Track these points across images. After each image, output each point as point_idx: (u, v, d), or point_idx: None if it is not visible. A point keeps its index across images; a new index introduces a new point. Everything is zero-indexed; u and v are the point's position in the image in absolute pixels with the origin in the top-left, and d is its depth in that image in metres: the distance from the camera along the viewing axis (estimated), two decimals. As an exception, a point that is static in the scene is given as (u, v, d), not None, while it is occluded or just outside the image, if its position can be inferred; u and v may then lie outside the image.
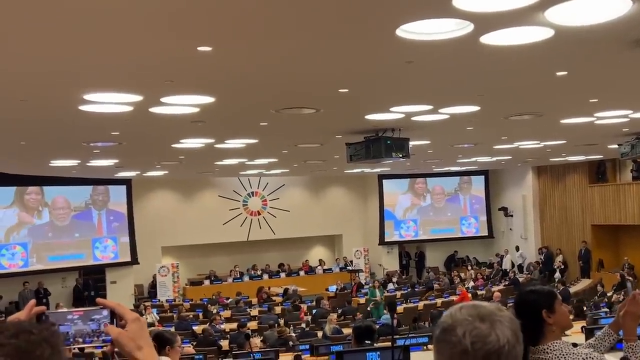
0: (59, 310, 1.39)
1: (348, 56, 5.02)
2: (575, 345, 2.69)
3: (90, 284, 19.09)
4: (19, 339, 0.99)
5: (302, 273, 21.55)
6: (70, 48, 4.47)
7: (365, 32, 4.31)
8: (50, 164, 12.99)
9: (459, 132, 10.61)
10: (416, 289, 18.10)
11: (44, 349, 1.00)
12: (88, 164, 13.20)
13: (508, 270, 20.44)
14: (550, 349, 2.55)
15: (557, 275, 19.72)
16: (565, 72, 6.02)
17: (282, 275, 21.18)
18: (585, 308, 11.33)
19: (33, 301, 1.43)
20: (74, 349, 1.42)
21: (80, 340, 1.48)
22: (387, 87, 6.55)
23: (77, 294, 18.74)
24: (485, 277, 19.71)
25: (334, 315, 13.08)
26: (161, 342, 5.39)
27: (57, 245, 17.98)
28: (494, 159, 17.12)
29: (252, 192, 22.45)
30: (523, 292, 2.83)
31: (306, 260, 22.92)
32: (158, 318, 13.99)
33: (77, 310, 1.49)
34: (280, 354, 8.28)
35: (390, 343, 7.01)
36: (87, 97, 6.25)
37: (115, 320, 1.48)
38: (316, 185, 23.14)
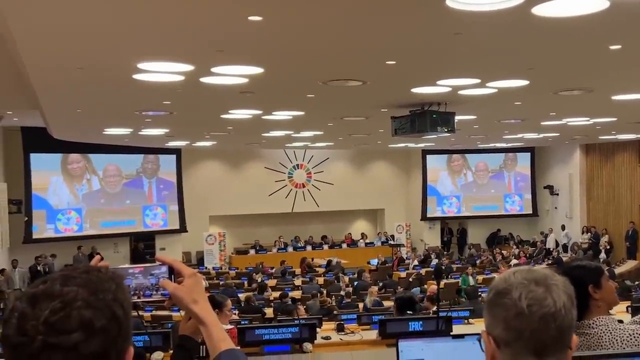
0: (121, 266, 1.50)
1: (397, 27, 5.04)
2: (620, 322, 2.69)
3: (143, 249, 19.80)
4: (90, 274, 1.13)
5: (344, 246, 21.73)
6: (125, 17, 4.62)
7: (414, 2, 4.34)
8: (104, 132, 13.38)
9: (506, 107, 10.50)
10: (457, 264, 18.09)
11: (111, 284, 1.13)
12: (140, 133, 13.54)
13: (552, 249, 20.19)
14: (596, 324, 2.55)
15: (603, 255, 19.39)
16: (619, 46, 5.92)
17: (325, 247, 21.41)
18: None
19: (99, 256, 1.56)
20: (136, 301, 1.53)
21: (140, 293, 1.57)
22: (434, 59, 6.55)
23: (137, 258, 19.60)
24: (527, 255, 19.53)
25: (374, 288, 13.21)
26: (211, 305, 5.57)
27: (109, 212, 18.61)
28: (541, 135, 16.84)
29: (298, 165, 22.65)
30: (569, 267, 2.82)
31: (349, 233, 23.09)
32: (207, 285, 14.35)
33: (138, 266, 1.59)
34: (323, 322, 8.45)
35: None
36: (141, 66, 6.43)
37: (173, 275, 1.57)
38: (360, 159, 23.18)
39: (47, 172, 17.43)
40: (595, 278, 2.64)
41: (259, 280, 14.63)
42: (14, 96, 9.88)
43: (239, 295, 13.11)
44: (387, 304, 11.00)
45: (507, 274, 1.38)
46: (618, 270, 16.73)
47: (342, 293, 12.63)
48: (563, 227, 21.38)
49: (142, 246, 19.96)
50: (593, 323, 2.55)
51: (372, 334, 6.58)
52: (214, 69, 6.68)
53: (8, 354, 1.06)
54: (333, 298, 12.18)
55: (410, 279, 15.14)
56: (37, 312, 1.04)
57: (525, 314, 1.29)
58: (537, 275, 1.34)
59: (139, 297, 1.55)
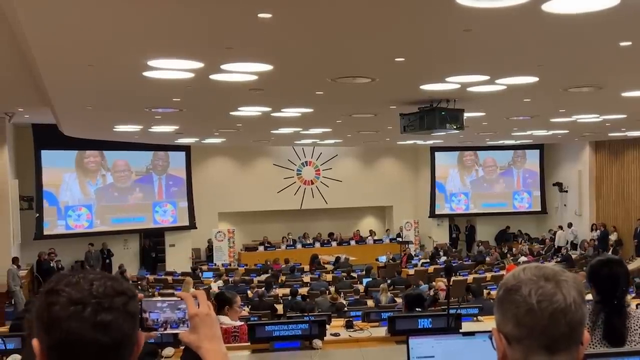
0: (152, 299, 1.57)
1: (406, 23, 5.04)
2: None
3: (151, 246, 19.93)
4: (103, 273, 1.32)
5: (352, 243, 21.74)
6: (136, 14, 4.65)
7: (425, -1, 4.35)
8: (114, 129, 13.44)
9: (516, 104, 10.47)
10: (466, 262, 18.05)
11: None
12: (150, 130, 13.59)
13: (561, 247, 20.11)
14: (633, 315, 2.84)
15: (611, 253, 19.30)
16: (630, 43, 5.90)
17: (333, 244, 21.43)
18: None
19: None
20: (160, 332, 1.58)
21: (168, 325, 1.63)
22: (443, 56, 6.54)
23: (144, 255, 19.75)
24: (536, 253, 19.46)
25: (384, 285, 13.21)
26: (221, 302, 5.62)
27: (119, 208, 18.68)
28: (551, 132, 16.77)
29: (306, 162, 22.66)
30: (606, 262, 3.01)
31: (357, 230, 23.10)
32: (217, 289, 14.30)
33: (169, 300, 1.64)
34: (332, 319, 8.46)
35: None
36: (150, 63, 6.46)
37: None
38: (368, 156, 23.18)
39: (58, 168, 17.51)
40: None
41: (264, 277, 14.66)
42: (25, 93, 9.95)
43: (248, 292, 13.15)
44: (397, 301, 11.02)
45: (516, 271, 1.38)
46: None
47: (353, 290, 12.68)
48: (570, 225, 21.28)
49: (150, 243, 20.01)
50: (630, 314, 2.87)
51: (381, 331, 6.59)
52: (223, 66, 6.70)
53: (54, 334, 1.18)
54: (342, 295, 12.18)
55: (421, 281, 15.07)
56: (82, 286, 1.22)
57: (536, 310, 1.29)
58: (547, 271, 1.34)
59: (165, 329, 1.63)
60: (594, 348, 2.74)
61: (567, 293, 1.31)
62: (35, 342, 1.22)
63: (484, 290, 11.80)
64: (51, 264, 16.24)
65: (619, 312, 2.84)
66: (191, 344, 1.53)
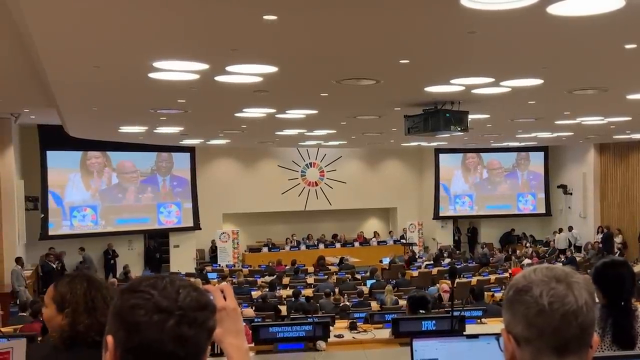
0: None
1: (411, 25, 5.05)
2: None
3: (155, 247, 19.98)
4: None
5: (356, 244, 21.73)
6: (141, 16, 4.66)
7: (429, 1, 4.34)
8: (119, 130, 13.47)
9: (520, 106, 10.46)
10: (470, 264, 18.01)
11: None
12: (155, 131, 13.62)
13: (563, 249, 20.04)
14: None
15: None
16: (635, 45, 5.89)
17: (337, 245, 21.43)
18: None
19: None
20: None
21: None
22: (448, 58, 6.54)
23: (148, 256, 19.79)
24: (540, 255, 19.39)
25: (389, 287, 13.20)
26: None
27: (124, 209, 18.72)
28: (555, 134, 16.76)
29: (310, 163, 22.67)
30: (611, 264, 3.03)
31: (361, 232, 23.09)
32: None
33: None
34: (336, 321, 8.46)
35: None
36: (156, 64, 6.48)
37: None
38: (372, 158, 23.17)
39: (64, 169, 17.56)
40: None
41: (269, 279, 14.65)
42: (30, 94, 9.99)
43: (252, 292, 13.16)
44: (401, 302, 11.01)
45: (527, 272, 1.37)
46: (632, 270, 16.53)
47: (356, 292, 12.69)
48: (570, 228, 21.18)
49: (154, 244, 20.07)
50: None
51: (385, 333, 6.59)
52: (228, 68, 6.72)
53: (134, 336, 1.17)
54: (346, 296, 12.17)
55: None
56: (169, 293, 1.21)
57: (547, 311, 1.29)
58: (558, 272, 1.34)
59: None
60: (604, 352, 2.73)
61: (578, 295, 1.30)
62: (109, 339, 1.20)
63: (487, 293, 11.79)
64: (53, 265, 16.19)
65: (627, 315, 2.83)
66: (214, 338, 1.51)
